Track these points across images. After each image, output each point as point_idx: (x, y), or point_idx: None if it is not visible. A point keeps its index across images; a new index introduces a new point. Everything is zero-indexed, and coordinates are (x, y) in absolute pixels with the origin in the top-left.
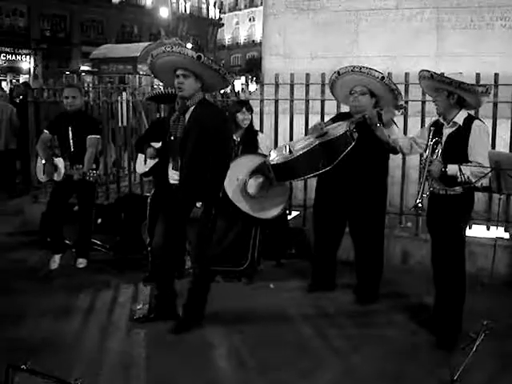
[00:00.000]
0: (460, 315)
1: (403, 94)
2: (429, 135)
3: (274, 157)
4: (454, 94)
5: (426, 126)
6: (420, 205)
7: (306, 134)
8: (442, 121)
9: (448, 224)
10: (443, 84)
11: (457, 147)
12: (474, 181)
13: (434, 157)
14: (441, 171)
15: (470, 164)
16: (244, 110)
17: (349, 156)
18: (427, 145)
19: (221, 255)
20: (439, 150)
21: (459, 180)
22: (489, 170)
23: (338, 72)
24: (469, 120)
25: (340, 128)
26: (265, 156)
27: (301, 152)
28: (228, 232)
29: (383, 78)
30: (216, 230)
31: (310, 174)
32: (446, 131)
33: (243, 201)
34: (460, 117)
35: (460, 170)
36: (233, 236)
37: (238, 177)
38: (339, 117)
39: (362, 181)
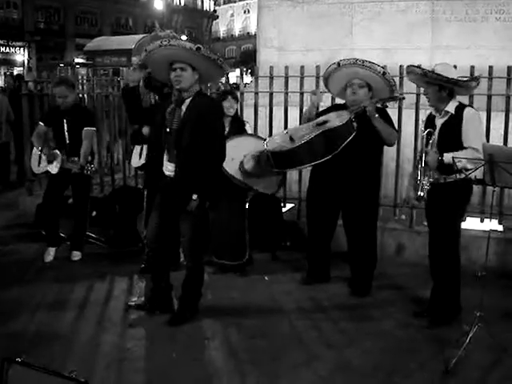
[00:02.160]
0: (458, 299)
1: (398, 86)
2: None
3: (273, 143)
4: (445, 87)
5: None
6: (422, 194)
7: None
8: (434, 113)
9: (445, 212)
10: (437, 80)
11: (451, 135)
12: (470, 167)
13: (429, 148)
14: (437, 161)
15: (462, 152)
16: (229, 98)
17: (344, 147)
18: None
19: (220, 249)
20: (433, 140)
21: (455, 168)
22: (482, 162)
23: (339, 63)
24: (460, 108)
25: (341, 117)
26: (259, 138)
27: (303, 140)
28: (225, 225)
29: (384, 73)
30: (213, 223)
31: (310, 162)
32: (439, 121)
33: (240, 177)
34: (451, 106)
35: (456, 158)
36: (230, 229)
37: (233, 157)
38: (334, 108)
39: (356, 172)
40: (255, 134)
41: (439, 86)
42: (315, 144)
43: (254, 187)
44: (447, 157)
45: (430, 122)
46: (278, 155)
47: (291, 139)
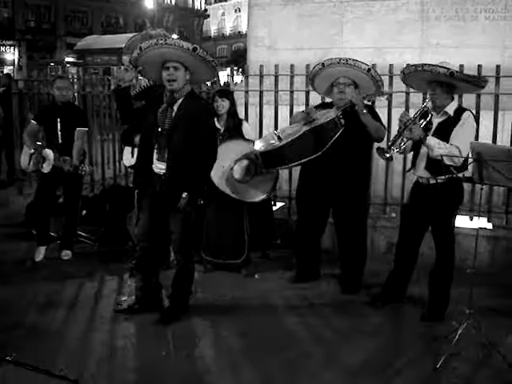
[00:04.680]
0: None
1: (387, 85)
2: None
3: (261, 145)
4: (452, 86)
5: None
6: (388, 155)
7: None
8: (431, 110)
9: (441, 213)
10: (461, 80)
11: (445, 136)
12: (447, 163)
13: (419, 121)
14: (420, 137)
15: (447, 146)
16: (216, 97)
17: (333, 144)
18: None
19: (221, 248)
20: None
21: (431, 155)
22: (471, 160)
23: (323, 64)
24: (459, 111)
25: (328, 114)
26: (249, 141)
27: (290, 139)
28: (225, 225)
29: (369, 69)
30: (212, 223)
31: (299, 160)
32: (436, 120)
33: (229, 186)
34: (451, 107)
35: (438, 144)
36: (230, 229)
37: (224, 164)
38: (323, 106)
39: (345, 169)
40: (244, 138)
41: (448, 85)
42: (303, 142)
43: (242, 198)
44: (431, 139)
45: (425, 113)
46: (266, 154)
47: (279, 138)
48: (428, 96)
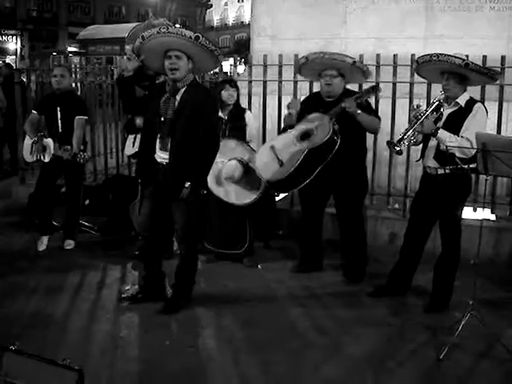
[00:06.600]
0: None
1: (391, 75)
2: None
3: (262, 169)
4: (465, 78)
5: None
6: (399, 149)
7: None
8: (442, 101)
9: (450, 204)
10: (478, 72)
11: (455, 127)
12: (458, 155)
13: (432, 114)
14: (431, 131)
15: (458, 139)
16: (228, 86)
17: None
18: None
19: (223, 238)
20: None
21: (441, 148)
22: (475, 150)
23: (307, 58)
24: (471, 102)
25: (323, 126)
26: (244, 145)
27: (294, 164)
28: (226, 214)
29: (354, 62)
30: (214, 213)
31: (308, 178)
32: (447, 111)
33: (215, 184)
34: (462, 98)
35: (449, 137)
36: (232, 218)
37: (217, 160)
38: (311, 99)
39: (344, 160)
40: (241, 141)
41: (461, 77)
42: (307, 163)
43: (225, 199)
44: (443, 133)
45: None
46: (277, 183)
47: (281, 164)
48: (441, 88)
